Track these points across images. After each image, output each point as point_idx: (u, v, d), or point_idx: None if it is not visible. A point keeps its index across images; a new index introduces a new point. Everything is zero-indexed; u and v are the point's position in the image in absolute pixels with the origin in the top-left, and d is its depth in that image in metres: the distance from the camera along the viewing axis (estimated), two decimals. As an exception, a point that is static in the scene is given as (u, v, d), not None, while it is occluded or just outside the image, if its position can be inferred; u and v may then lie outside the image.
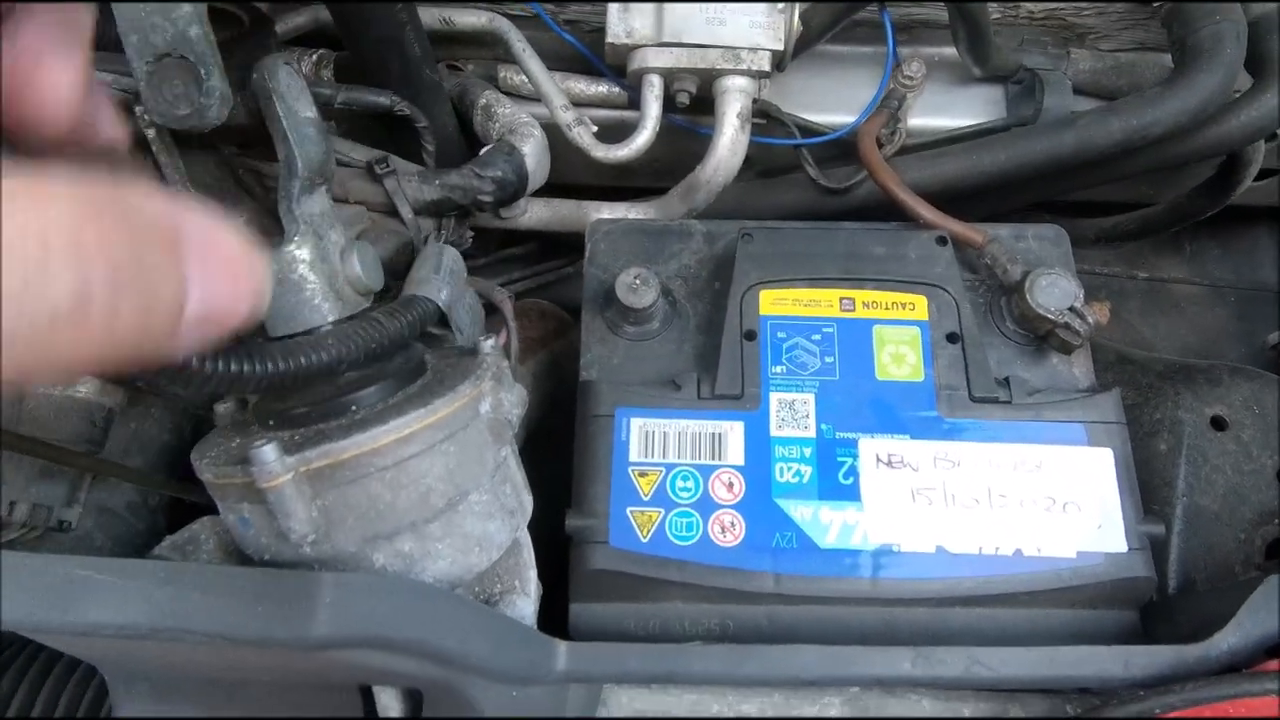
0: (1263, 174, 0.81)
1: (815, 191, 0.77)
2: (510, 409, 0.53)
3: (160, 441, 0.60)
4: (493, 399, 0.51)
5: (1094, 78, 0.75)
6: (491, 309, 0.70)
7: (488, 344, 0.53)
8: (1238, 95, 0.67)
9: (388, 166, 0.58)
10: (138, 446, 0.58)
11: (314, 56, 0.71)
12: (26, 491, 0.48)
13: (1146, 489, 0.71)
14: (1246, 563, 0.70)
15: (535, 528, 0.55)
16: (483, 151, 0.63)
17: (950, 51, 0.77)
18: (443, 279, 0.57)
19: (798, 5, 0.65)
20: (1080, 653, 0.49)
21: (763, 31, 0.64)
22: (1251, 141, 0.68)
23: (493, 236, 0.88)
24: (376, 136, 0.69)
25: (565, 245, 0.91)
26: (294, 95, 0.44)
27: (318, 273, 0.46)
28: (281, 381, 0.40)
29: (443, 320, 0.57)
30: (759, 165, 0.85)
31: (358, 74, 0.66)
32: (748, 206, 0.80)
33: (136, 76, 0.40)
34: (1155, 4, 0.67)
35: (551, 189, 0.95)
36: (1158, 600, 0.64)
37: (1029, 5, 0.74)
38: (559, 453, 0.64)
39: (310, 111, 0.45)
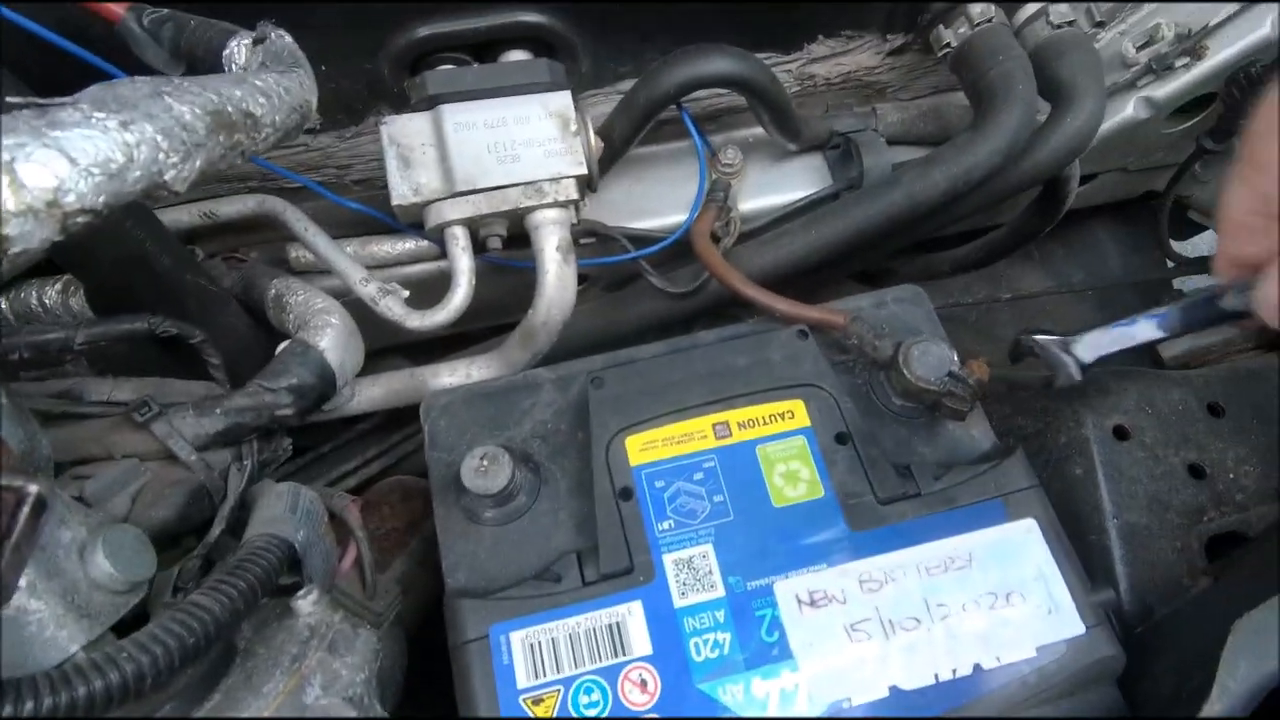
0: (1084, 179, 0.83)
1: (667, 297, 0.72)
2: (353, 676, 0.42)
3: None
4: (324, 676, 0.40)
5: (904, 127, 0.75)
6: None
7: (306, 601, 0.43)
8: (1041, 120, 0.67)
9: (150, 409, 0.47)
10: None
11: (57, 285, 0.60)
12: None
13: (1077, 518, 0.67)
14: (1192, 569, 0.67)
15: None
16: (275, 357, 0.54)
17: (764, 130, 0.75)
18: (299, 519, 0.48)
19: (591, 124, 0.61)
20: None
21: (560, 158, 0.59)
22: (1064, 166, 0.68)
23: (333, 425, 0.78)
24: (162, 360, 0.59)
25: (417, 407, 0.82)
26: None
27: (44, 595, 0.35)
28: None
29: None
30: (604, 280, 0.80)
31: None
32: (600, 327, 0.75)
33: None
34: (940, 54, 0.67)
35: (393, 348, 0.87)
36: (1129, 642, 0.60)
37: (818, 71, 0.73)
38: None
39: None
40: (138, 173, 0.30)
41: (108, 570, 0.38)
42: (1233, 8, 0.70)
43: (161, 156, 0.31)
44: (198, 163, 0.32)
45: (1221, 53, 0.72)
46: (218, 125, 0.33)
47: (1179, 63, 0.71)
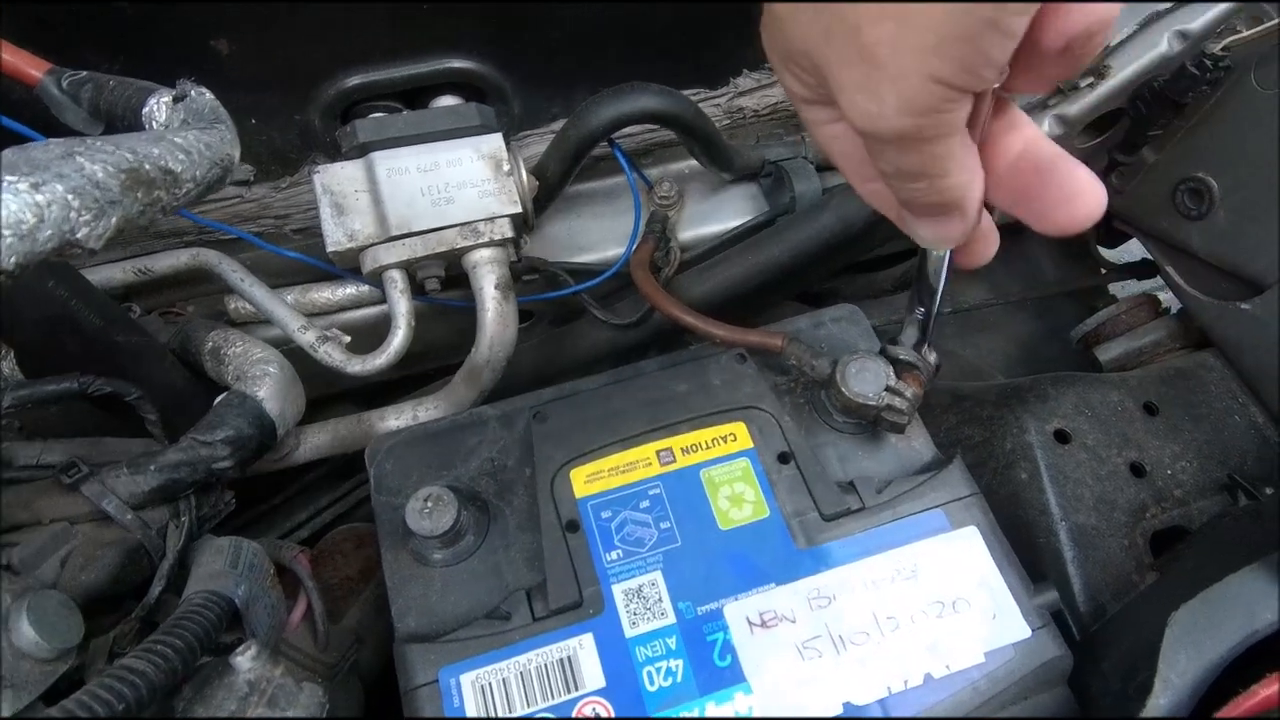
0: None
1: (611, 329, 0.73)
2: (297, 730, 0.41)
3: None
4: (264, 732, 0.39)
5: (834, 153, 0.77)
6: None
7: (245, 657, 0.42)
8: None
9: (79, 471, 0.47)
10: None
11: (-14, 350, 0.59)
12: None
13: (1027, 523, 0.69)
14: (1139, 565, 0.68)
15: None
16: (211, 409, 0.53)
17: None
18: (241, 574, 0.47)
19: (522, 164, 0.62)
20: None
21: (495, 198, 0.60)
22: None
23: (285, 474, 0.77)
24: (98, 420, 0.58)
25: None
26: None
27: (-39, 669, 0.34)
28: None
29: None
30: (550, 315, 0.81)
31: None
32: (550, 362, 0.75)
33: None
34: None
35: (343, 396, 0.86)
36: (1081, 642, 0.61)
37: (746, 104, 0.75)
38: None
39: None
40: (49, 231, 0.30)
41: (32, 638, 0.37)
42: (1129, 29, 0.74)
43: (73, 215, 0.31)
44: (113, 220, 0.33)
45: (1123, 71, 0.76)
46: (134, 182, 0.34)
47: (1084, 82, 0.75)
